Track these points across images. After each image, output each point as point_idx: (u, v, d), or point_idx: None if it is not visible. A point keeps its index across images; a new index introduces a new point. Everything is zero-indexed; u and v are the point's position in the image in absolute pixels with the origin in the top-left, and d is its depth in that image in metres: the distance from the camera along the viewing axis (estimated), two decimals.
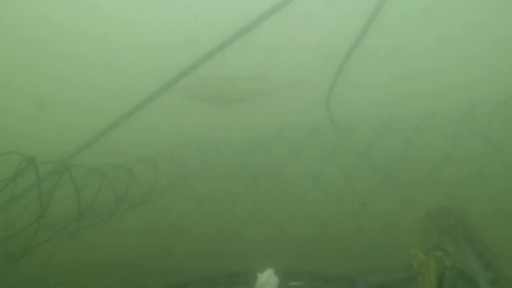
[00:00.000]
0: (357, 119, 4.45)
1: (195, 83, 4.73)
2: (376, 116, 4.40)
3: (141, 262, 3.45)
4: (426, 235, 1.36)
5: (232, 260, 3.40)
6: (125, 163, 3.36)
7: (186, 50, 4.28)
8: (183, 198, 4.17)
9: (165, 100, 4.22)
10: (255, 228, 4.07)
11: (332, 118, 4.69)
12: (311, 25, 4.77)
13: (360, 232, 3.92)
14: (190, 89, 4.82)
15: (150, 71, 4.43)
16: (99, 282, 3.11)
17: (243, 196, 4.27)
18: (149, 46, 4.63)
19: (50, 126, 4.16)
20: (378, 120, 4.29)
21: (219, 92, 4.96)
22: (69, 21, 4.56)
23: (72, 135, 3.93)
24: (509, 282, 1.46)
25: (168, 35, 4.61)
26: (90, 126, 3.94)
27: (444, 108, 4.15)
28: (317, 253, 3.61)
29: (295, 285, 2.26)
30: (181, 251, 3.67)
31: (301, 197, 4.14)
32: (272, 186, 4.31)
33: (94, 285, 3.07)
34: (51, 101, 4.27)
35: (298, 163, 4.24)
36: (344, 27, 4.54)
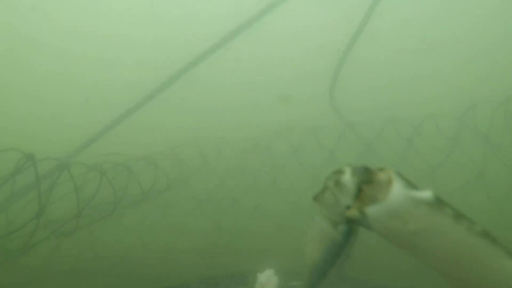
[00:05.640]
0: (357, 119, 4.45)
1: None
2: (376, 116, 4.40)
3: (141, 261, 3.43)
4: None
5: (232, 259, 3.39)
6: (125, 161, 3.34)
7: (185, 48, 4.29)
8: (183, 197, 4.17)
9: (166, 98, 4.22)
10: (255, 228, 4.06)
11: (339, 112, 4.64)
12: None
13: (360, 231, 3.90)
14: None
15: (150, 68, 4.43)
16: (98, 281, 3.09)
17: (243, 196, 4.27)
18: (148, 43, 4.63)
19: (51, 124, 4.15)
20: (378, 120, 4.28)
21: None
22: (71, 21, 4.57)
23: (73, 133, 3.92)
24: None
25: (169, 32, 4.62)
26: (91, 124, 3.93)
27: (444, 108, 4.14)
28: None
29: (295, 285, 2.25)
30: (181, 250, 3.66)
31: (301, 197, 4.13)
32: (272, 186, 4.30)
33: (93, 284, 3.06)
34: (52, 98, 4.28)
35: (298, 163, 4.24)
36: (342, 26, 4.55)
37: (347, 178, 1.00)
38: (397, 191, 0.87)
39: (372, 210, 0.91)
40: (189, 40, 4.38)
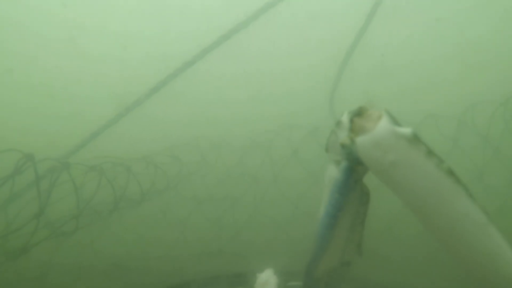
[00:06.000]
0: None
1: None
2: None
3: (140, 261, 3.43)
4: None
5: (232, 261, 3.40)
6: (124, 161, 3.35)
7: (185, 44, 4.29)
8: (182, 197, 4.16)
9: (165, 97, 4.23)
10: (255, 228, 4.06)
11: (336, 117, 4.69)
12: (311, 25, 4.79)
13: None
14: None
15: (152, 63, 4.42)
16: (98, 281, 3.09)
17: (243, 196, 4.27)
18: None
19: (49, 122, 4.15)
20: None
21: None
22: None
23: (70, 132, 3.93)
24: None
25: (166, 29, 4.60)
26: (88, 124, 3.94)
27: (444, 108, 4.14)
28: None
29: (295, 285, 2.25)
30: (180, 250, 3.66)
31: (301, 197, 4.13)
32: (272, 186, 4.30)
33: (92, 284, 3.06)
34: (50, 96, 4.27)
35: (298, 163, 4.24)
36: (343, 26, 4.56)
37: (344, 116, 1.19)
38: (383, 125, 1.03)
39: (360, 139, 1.08)
40: (190, 35, 4.37)
